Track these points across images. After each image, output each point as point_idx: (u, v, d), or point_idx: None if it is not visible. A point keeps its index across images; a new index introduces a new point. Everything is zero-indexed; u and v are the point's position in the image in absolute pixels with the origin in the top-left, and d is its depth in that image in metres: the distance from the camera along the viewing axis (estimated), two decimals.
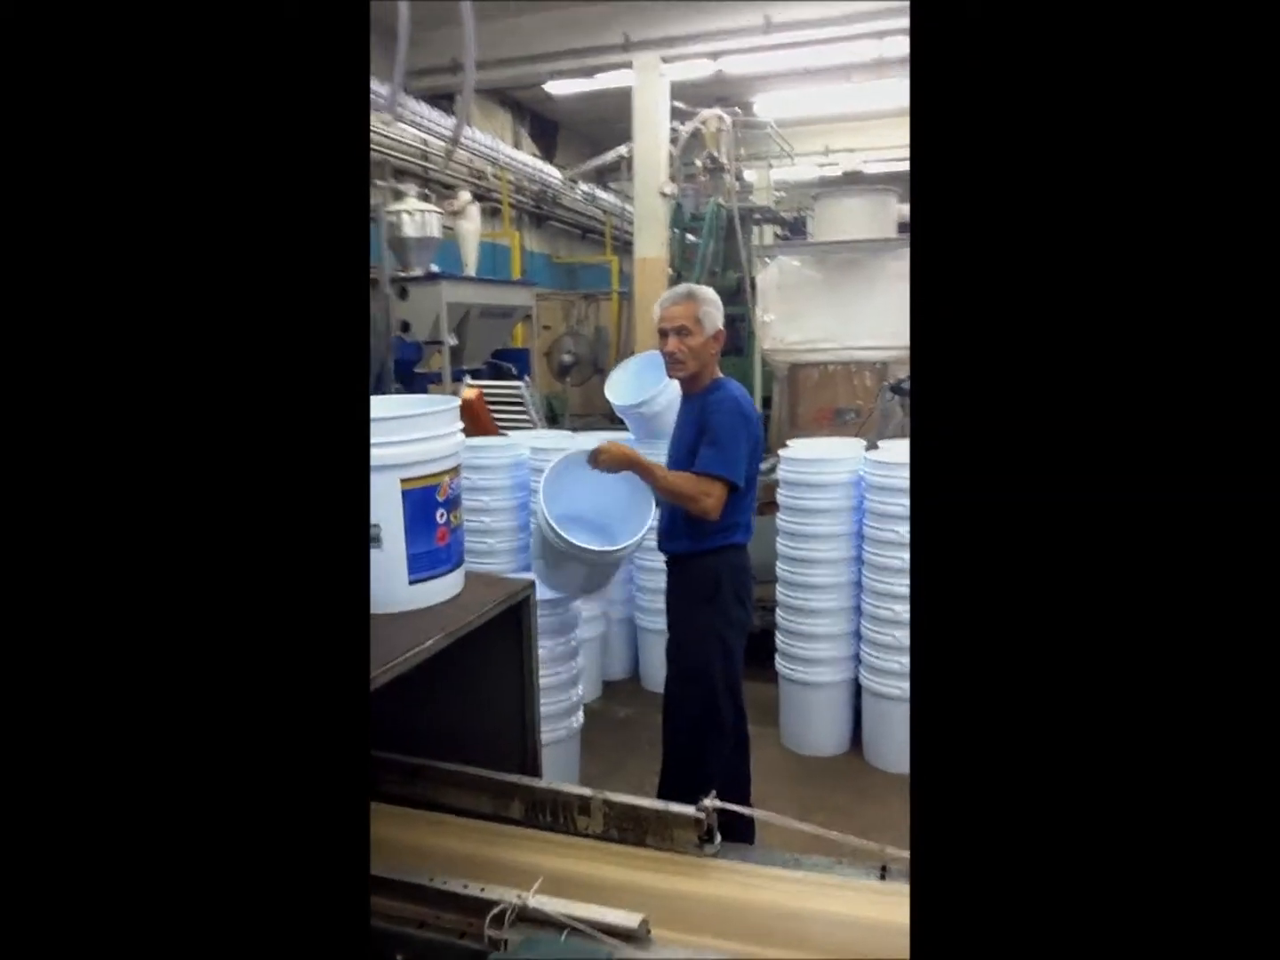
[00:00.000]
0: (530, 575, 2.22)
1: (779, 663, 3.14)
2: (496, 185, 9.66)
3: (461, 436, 1.74)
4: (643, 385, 3.44)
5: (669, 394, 3.39)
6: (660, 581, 3.57)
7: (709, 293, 2.34)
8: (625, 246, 8.82)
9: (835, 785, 2.90)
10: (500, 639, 1.79)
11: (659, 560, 3.56)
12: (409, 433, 1.58)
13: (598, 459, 2.28)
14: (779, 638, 3.15)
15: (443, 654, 1.63)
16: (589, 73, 9.05)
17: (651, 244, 8.10)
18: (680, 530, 2.33)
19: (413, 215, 6.98)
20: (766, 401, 7.06)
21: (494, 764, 1.75)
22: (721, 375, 2.38)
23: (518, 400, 5.99)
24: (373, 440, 1.53)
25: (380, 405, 1.67)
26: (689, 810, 1.53)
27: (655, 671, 3.65)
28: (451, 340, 7.16)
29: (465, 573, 1.77)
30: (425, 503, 1.61)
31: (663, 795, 2.32)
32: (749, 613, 2.37)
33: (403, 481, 1.57)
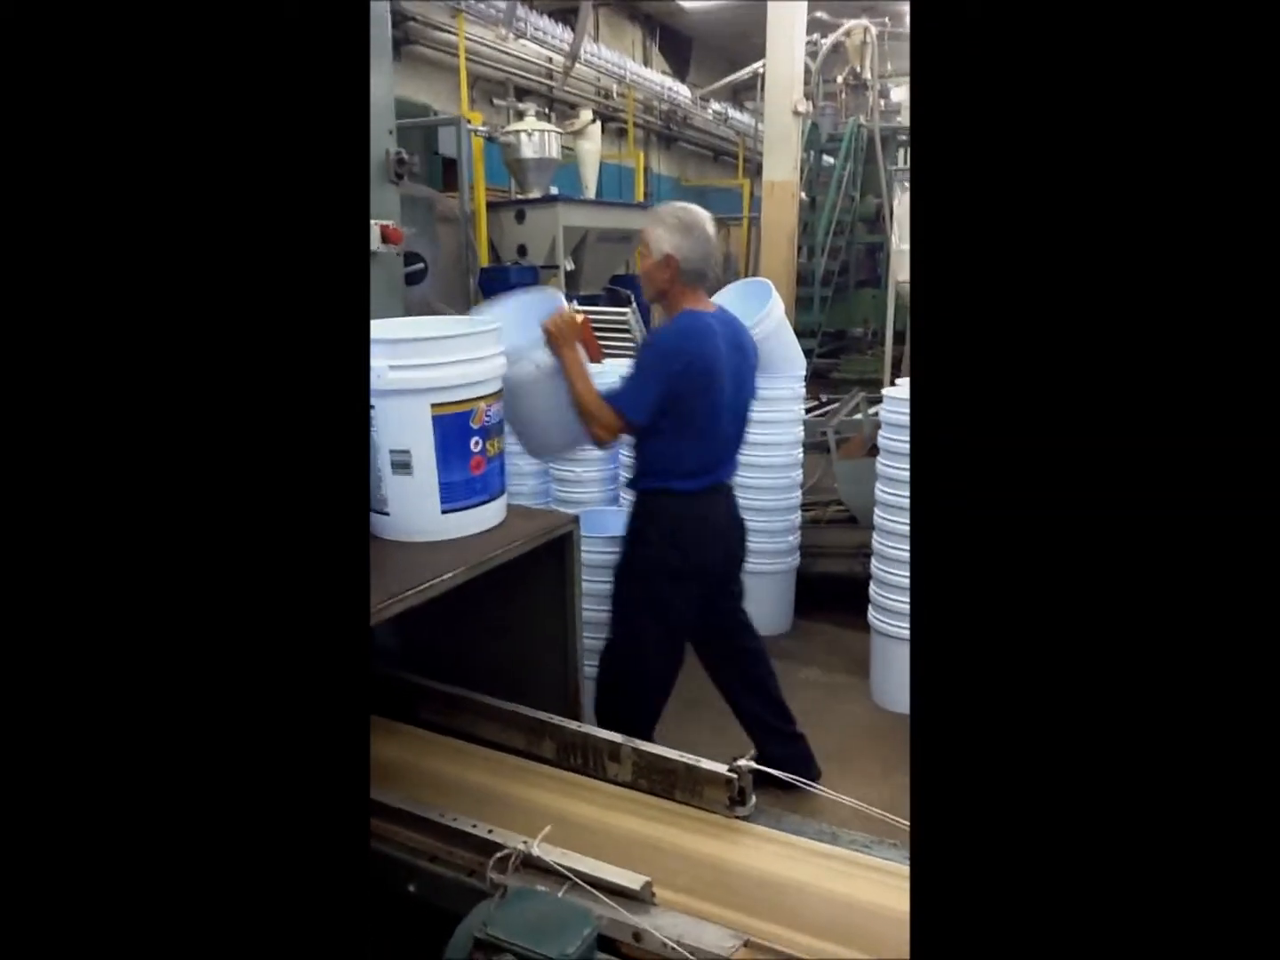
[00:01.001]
0: (576, 511, 2.07)
1: (871, 614, 2.96)
2: (623, 105, 9.37)
3: (502, 360, 1.64)
4: (744, 315, 3.25)
5: (770, 324, 3.19)
6: (757, 522, 3.47)
7: (668, 211, 2.09)
8: (758, 170, 8.43)
9: None
10: (543, 574, 1.71)
11: (758, 500, 3.45)
12: (440, 355, 1.49)
13: (547, 330, 1.96)
14: (873, 588, 2.97)
15: (488, 585, 1.57)
16: None
17: (782, 166, 7.67)
18: (634, 472, 2.20)
19: (530, 135, 6.85)
20: (900, 336, 6.68)
21: (535, 700, 1.70)
22: (695, 308, 2.10)
23: (624, 327, 5.87)
24: (401, 363, 1.46)
25: (410, 326, 1.60)
26: (720, 768, 1.43)
27: (751, 613, 3.54)
28: (568, 265, 7.08)
29: (508, 505, 1.69)
30: (458, 429, 1.53)
31: None
32: (694, 560, 2.13)
33: (434, 407, 1.50)
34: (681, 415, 2.03)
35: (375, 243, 1.96)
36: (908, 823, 1.31)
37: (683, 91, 10.44)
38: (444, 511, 1.55)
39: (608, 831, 1.41)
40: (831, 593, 3.60)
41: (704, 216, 2.12)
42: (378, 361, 1.45)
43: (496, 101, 7.88)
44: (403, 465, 1.52)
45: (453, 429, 1.52)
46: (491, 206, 7.10)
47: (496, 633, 1.79)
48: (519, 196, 7.12)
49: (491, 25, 7.55)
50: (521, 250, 7.13)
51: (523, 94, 8.08)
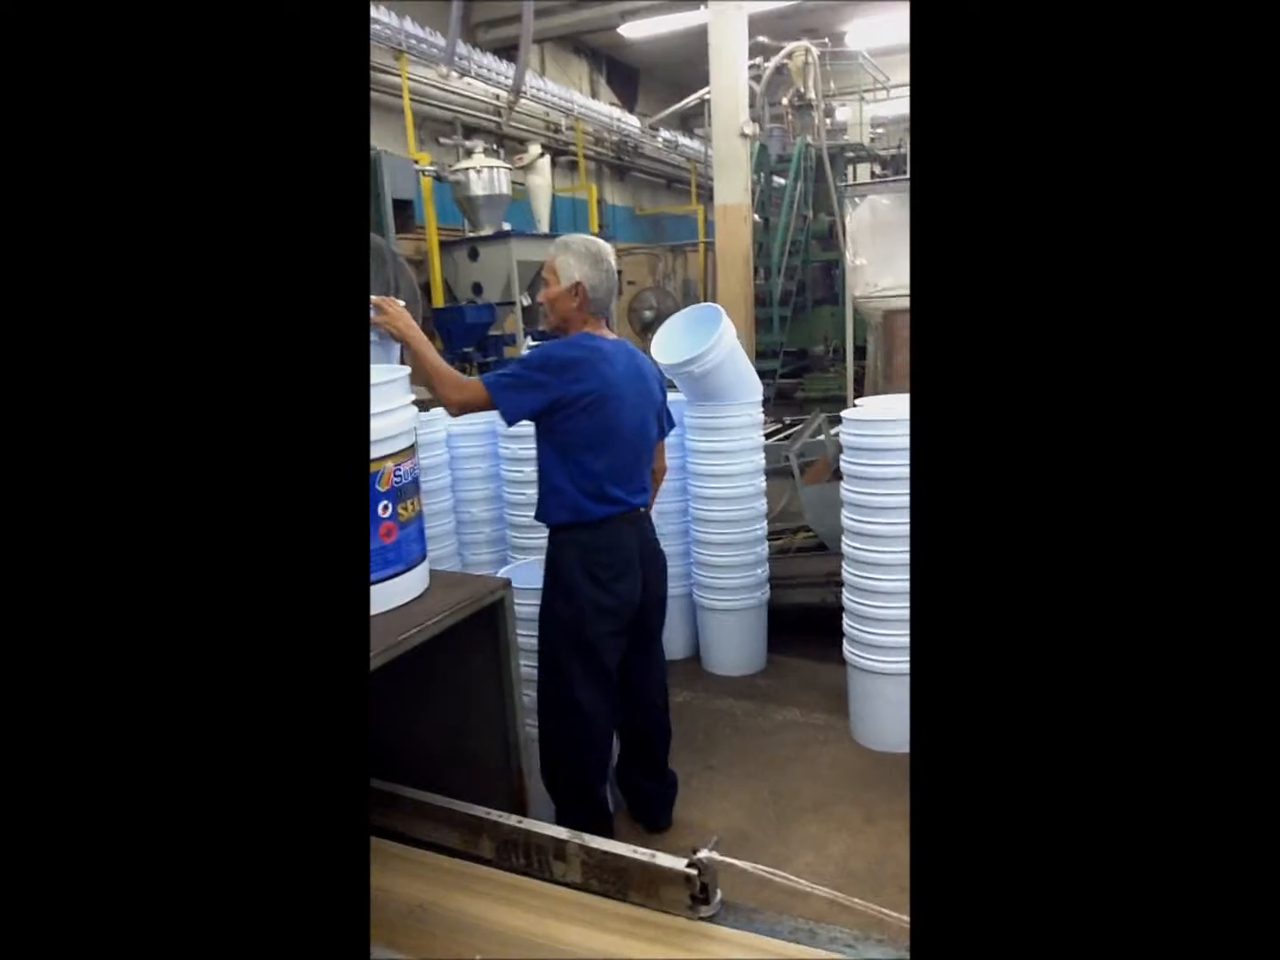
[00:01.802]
0: (505, 574, 1.93)
1: (846, 648, 2.81)
2: (573, 138, 9.33)
3: (414, 412, 1.48)
4: (694, 343, 3.12)
5: (719, 352, 3.06)
6: (721, 557, 3.33)
7: (575, 241, 2.11)
8: (711, 195, 8.41)
9: (907, 786, 2.57)
10: (475, 646, 1.54)
11: (721, 534, 3.32)
12: None
13: (375, 318, 1.91)
14: (846, 621, 2.82)
15: (414, 661, 1.40)
16: (663, 10, 8.59)
17: (733, 189, 7.64)
18: (540, 505, 2.15)
19: (479, 172, 6.75)
20: (861, 351, 6.61)
21: (476, 788, 1.52)
22: (590, 331, 2.10)
23: None
24: None
25: None
26: (679, 864, 1.27)
27: (717, 653, 3.38)
28: (525, 300, 6.95)
29: (431, 572, 1.52)
30: None
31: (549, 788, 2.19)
32: (616, 592, 2.09)
33: None
34: (579, 435, 2.01)
35: None
36: (892, 913, 1.16)
37: (632, 121, 10.43)
38: None
39: (553, 944, 1.23)
40: (805, 624, 3.45)
41: (609, 249, 2.16)
42: None
43: (443, 140, 7.79)
44: None
45: None
46: (444, 245, 6.99)
47: (427, 714, 1.61)
48: (471, 234, 7.00)
49: (435, 65, 7.47)
50: (477, 288, 7.01)
51: (471, 132, 8.01)
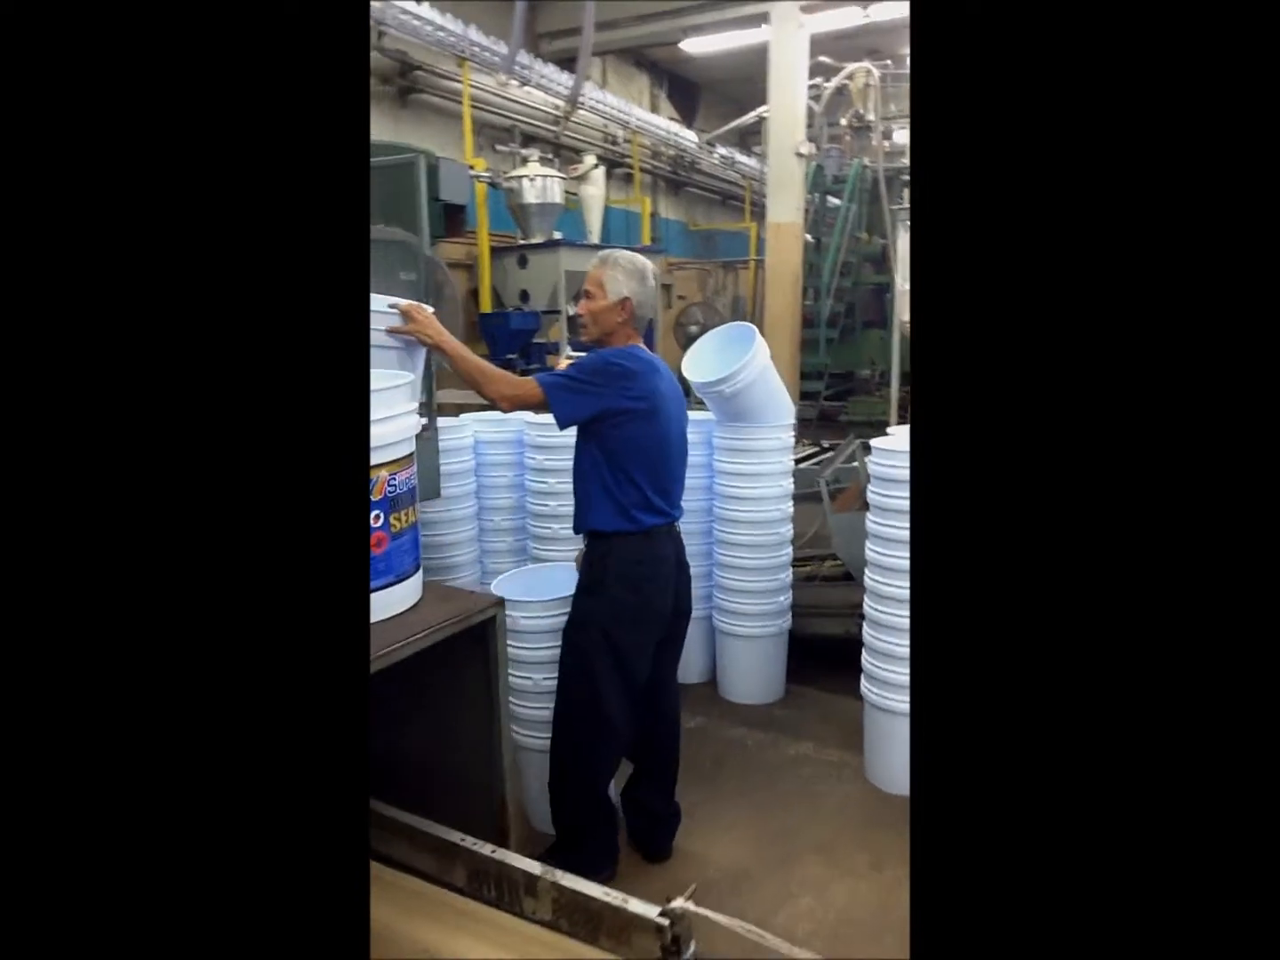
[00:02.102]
0: (496, 591, 1.89)
1: (864, 685, 2.72)
2: (629, 150, 9.34)
3: (415, 420, 1.45)
4: (726, 362, 3.07)
5: (751, 372, 3.00)
6: (744, 582, 3.26)
7: (623, 257, 2.13)
8: (765, 213, 8.37)
9: None
10: (464, 662, 1.50)
11: (743, 558, 3.25)
12: None
13: (405, 326, 1.90)
14: (865, 656, 2.73)
15: (402, 673, 1.36)
16: (725, 27, 8.57)
17: (786, 208, 7.56)
18: (581, 513, 2.13)
19: (533, 181, 6.78)
20: (907, 377, 6.50)
21: (459, 808, 1.47)
22: (633, 345, 2.12)
23: None
24: None
25: None
26: (651, 912, 1.20)
27: (734, 679, 3.31)
28: (570, 309, 6.96)
29: (425, 584, 1.48)
30: None
31: (554, 814, 2.22)
32: (649, 603, 2.10)
33: None
34: (630, 445, 2.02)
35: None
36: None
37: (689, 136, 10.42)
38: None
39: None
40: (827, 655, 3.35)
41: (653, 266, 2.17)
42: None
43: (499, 148, 7.85)
44: None
45: None
46: (495, 252, 7.03)
47: (414, 727, 1.57)
48: (521, 242, 7.03)
49: (495, 73, 7.53)
50: (524, 295, 7.03)
51: (529, 140, 8.05)
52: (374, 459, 1.34)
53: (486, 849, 1.32)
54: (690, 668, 3.25)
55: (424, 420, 2.60)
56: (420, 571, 1.50)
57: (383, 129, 7.08)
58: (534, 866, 1.29)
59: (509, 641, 2.37)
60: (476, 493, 3.37)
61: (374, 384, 1.39)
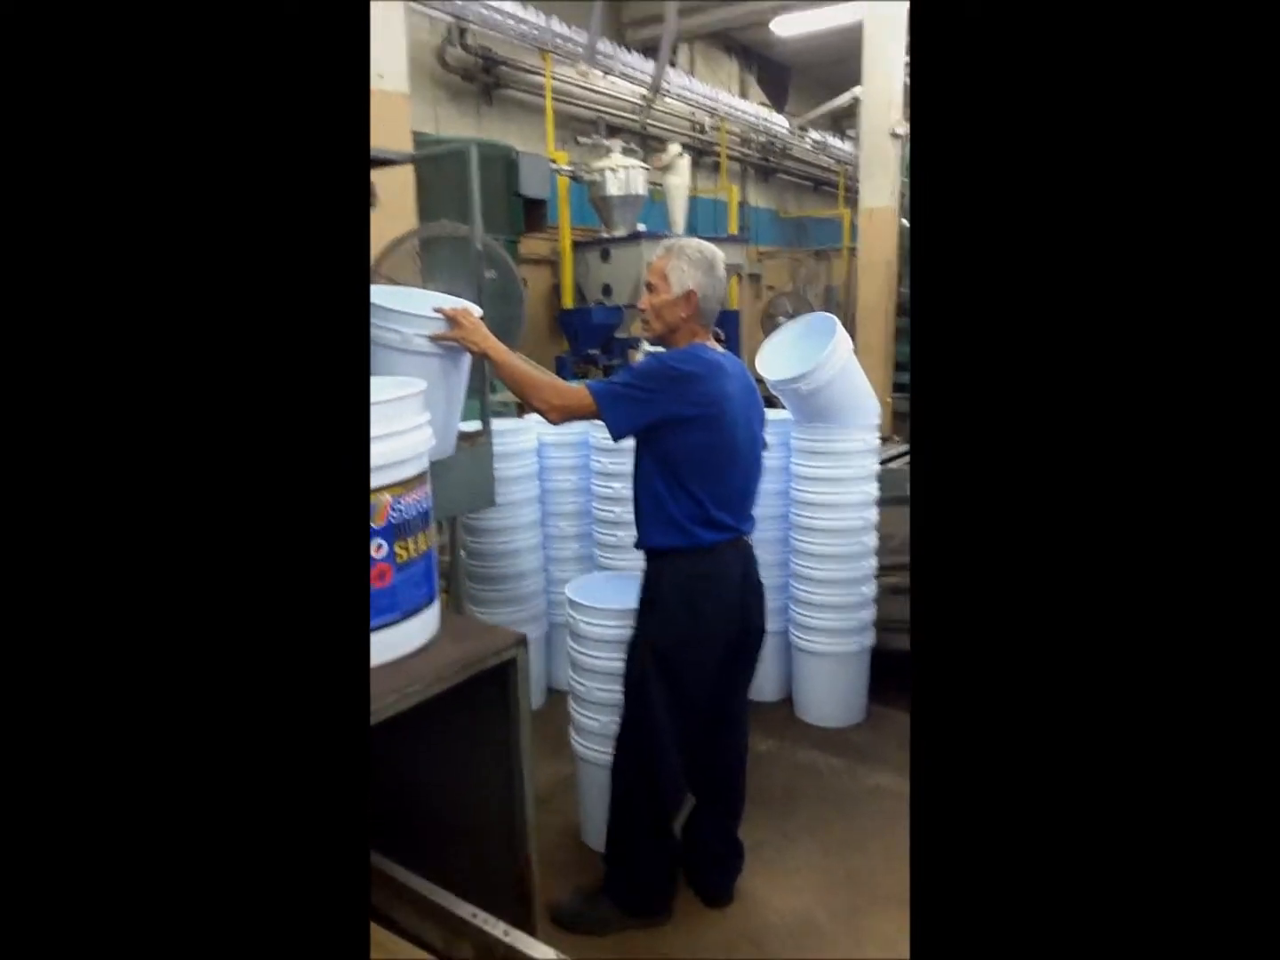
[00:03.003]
0: (521, 630, 1.75)
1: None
2: (717, 138, 9.11)
3: (427, 434, 1.30)
4: (805, 356, 2.85)
5: (831, 368, 2.78)
6: (823, 595, 3.04)
7: (689, 246, 1.94)
8: (858, 198, 8.01)
9: None
10: (483, 706, 1.35)
11: (822, 569, 3.02)
12: None
13: (450, 333, 1.89)
14: None
15: (416, 717, 1.23)
16: (816, 4, 8.22)
17: (880, 192, 7.21)
18: (640, 527, 1.98)
19: (615, 172, 6.64)
20: None
21: (477, 865, 1.33)
22: (700, 342, 1.94)
23: None
24: None
25: None
26: None
27: (810, 699, 3.09)
28: None
29: (450, 616, 1.34)
30: None
31: (606, 848, 2.10)
32: (714, 624, 1.92)
33: None
34: (689, 455, 1.86)
35: None
36: None
37: (780, 122, 10.11)
38: None
39: None
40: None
41: (721, 255, 1.97)
42: None
43: (582, 140, 7.74)
44: None
45: None
46: (578, 246, 6.94)
47: (431, 770, 1.44)
48: (604, 235, 6.91)
49: (576, 63, 7.43)
50: (606, 290, 6.92)
51: (614, 131, 7.92)
52: (374, 481, 1.20)
53: (499, 929, 1.16)
54: (763, 686, 3.05)
55: (478, 425, 2.49)
56: (435, 604, 1.36)
57: (466, 126, 7.07)
58: (548, 953, 1.13)
59: (573, 646, 2.28)
60: (540, 498, 3.24)
61: (376, 395, 1.25)
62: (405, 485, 1.24)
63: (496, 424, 2.67)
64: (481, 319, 1.97)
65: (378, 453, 1.19)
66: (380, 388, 1.25)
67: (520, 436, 3.09)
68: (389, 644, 1.25)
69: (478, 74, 7.09)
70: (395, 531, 1.23)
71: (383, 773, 1.43)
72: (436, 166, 4.02)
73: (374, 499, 1.20)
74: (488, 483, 2.44)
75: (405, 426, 1.24)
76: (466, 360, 2.04)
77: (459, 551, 3.16)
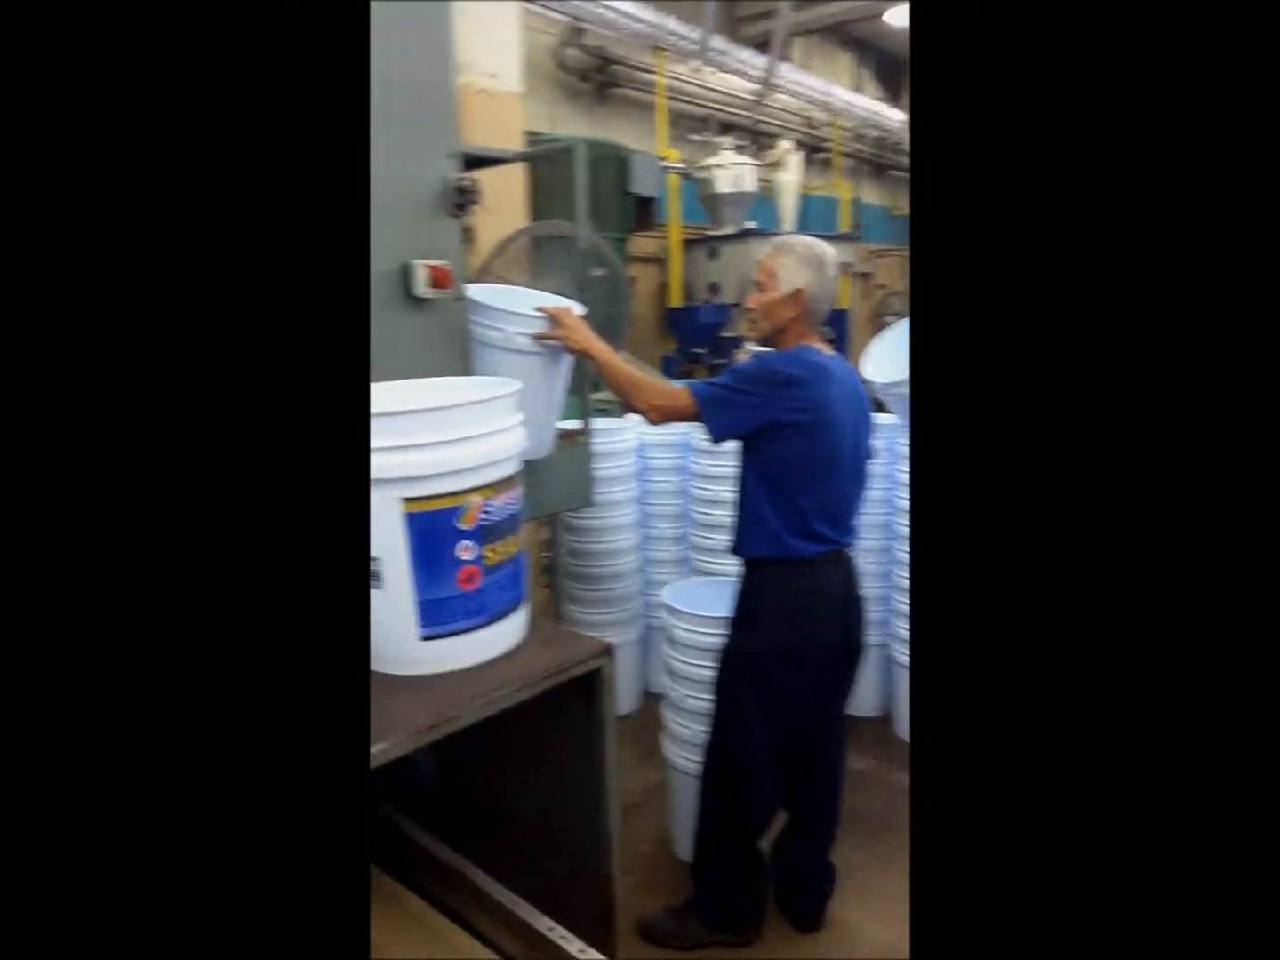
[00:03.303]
0: (609, 638, 1.70)
1: None
2: (829, 134, 8.91)
3: (519, 435, 1.28)
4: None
5: None
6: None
7: (799, 244, 1.89)
8: None
9: None
10: (573, 714, 1.32)
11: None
12: (415, 434, 1.15)
13: (552, 332, 1.88)
14: None
15: (512, 715, 1.22)
16: None
17: None
18: (737, 535, 1.91)
19: (725, 169, 6.56)
20: None
21: (562, 877, 1.31)
22: (808, 344, 1.87)
23: None
24: (372, 445, 1.14)
25: (396, 392, 1.27)
26: None
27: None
28: None
29: (538, 621, 1.31)
30: (438, 531, 1.18)
31: (693, 864, 2.02)
32: (812, 639, 1.84)
33: (406, 502, 1.16)
34: (792, 463, 1.79)
35: (422, 287, 1.68)
36: None
37: (893, 116, 9.81)
38: (424, 638, 1.20)
39: None
40: None
41: (833, 253, 1.90)
42: None
43: (692, 137, 7.69)
44: (373, 576, 1.19)
45: (431, 531, 1.17)
46: (687, 244, 6.90)
47: (517, 773, 1.41)
48: (712, 233, 6.85)
49: (688, 60, 7.38)
50: (713, 288, 6.86)
51: (726, 129, 7.84)
52: (465, 482, 1.18)
53: (575, 946, 1.13)
54: (862, 701, 2.94)
55: (579, 424, 2.48)
56: (524, 608, 1.33)
57: (581, 126, 7.12)
58: None
59: (669, 652, 2.24)
60: (640, 498, 3.21)
61: (470, 395, 1.24)
62: (495, 487, 1.22)
63: (597, 423, 2.65)
64: (584, 318, 1.94)
65: (466, 455, 1.17)
66: (474, 388, 1.23)
67: (621, 436, 3.07)
68: (475, 648, 1.23)
69: (593, 73, 7.12)
70: (484, 534, 1.21)
71: (468, 776, 1.42)
72: (551, 166, 4.05)
73: (464, 500, 1.18)
74: (586, 482, 2.42)
75: (497, 427, 1.22)
76: (567, 360, 2.03)
77: (560, 550, 3.17)
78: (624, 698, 3.18)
